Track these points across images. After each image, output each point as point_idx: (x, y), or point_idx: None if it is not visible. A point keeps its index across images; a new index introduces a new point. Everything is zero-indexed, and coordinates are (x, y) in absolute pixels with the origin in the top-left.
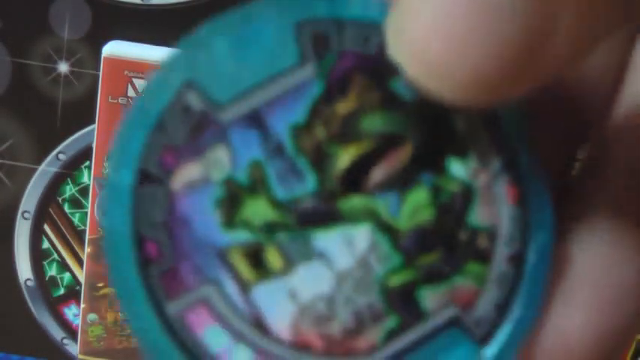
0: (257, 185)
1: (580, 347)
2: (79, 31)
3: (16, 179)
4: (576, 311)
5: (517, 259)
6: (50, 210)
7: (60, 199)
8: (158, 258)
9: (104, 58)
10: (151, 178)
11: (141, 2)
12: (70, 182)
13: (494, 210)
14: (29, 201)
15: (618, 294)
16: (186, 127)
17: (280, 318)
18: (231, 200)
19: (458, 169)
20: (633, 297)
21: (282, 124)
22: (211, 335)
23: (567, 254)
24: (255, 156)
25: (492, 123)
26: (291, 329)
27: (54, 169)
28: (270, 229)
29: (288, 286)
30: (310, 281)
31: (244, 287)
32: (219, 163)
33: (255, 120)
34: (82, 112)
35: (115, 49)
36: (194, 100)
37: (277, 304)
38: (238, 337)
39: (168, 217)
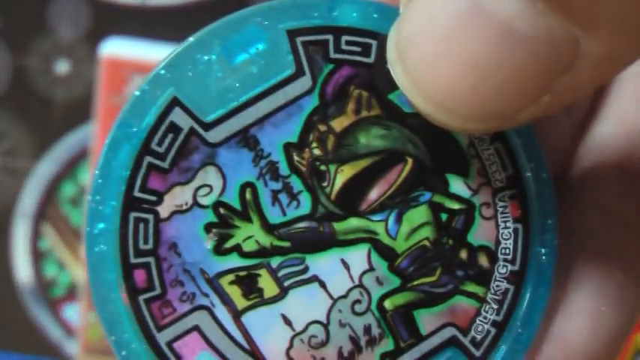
0: (249, 208)
1: (581, 353)
2: (77, 30)
3: (15, 178)
4: (576, 319)
5: (517, 276)
6: (49, 209)
7: (59, 199)
8: (147, 285)
9: (102, 57)
10: (137, 203)
11: (140, 3)
12: (69, 181)
13: (496, 227)
14: (28, 200)
15: (616, 299)
16: (173, 148)
17: (274, 344)
18: (222, 225)
19: (459, 185)
20: (629, 301)
21: (274, 143)
22: None
23: (566, 263)
24: (247, 177)
25: (497, 136)
26: (285, 356)
27: (53, 169)
28: (263, 254)
29: (282, 312)
30: (305, 306)
31: (236, 314)
32: (209, 185)
33: (246, 139)
34: (81, 111)
35: (113, 48)
36: (181, 119)
37: (270, 331)
38: None
39: (157, 243)
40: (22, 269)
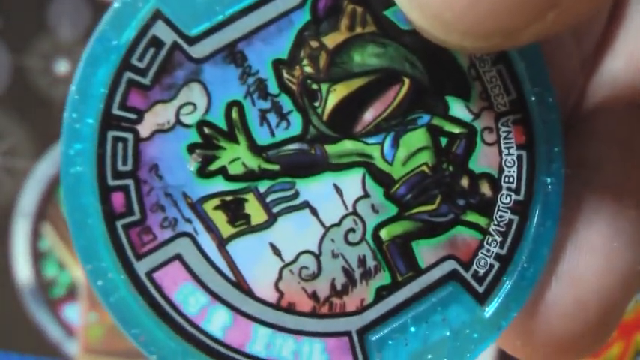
0: (235, 128)
1: (593, 296)
2: (77, 30)
3: (15, 178)
4: (587, 256)
5: (521, 207)
6: (49, 209)
7: (59, 199)
8: (125, 210)
9: None
10: (116, 122)
11: None
12: None
13: (499, 153)
14: (28, 200)
15: (628, 235)
16: (155, 63)
17: (261, 275)
18: (207, 146)
19: (459, 108)
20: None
21: (263, 59)
22: (185, 295)
23: (575, 198)
24: (233, 95)
25: (499, 57)
26: (274, 288)
27: (53, 169)
28: (250, 177)
29: (270, 241)
30: (295, 235)
31: (221, 242)
32: (193, 103)
33: (233, 54)
34: None
35: None
36: (163, 32)
37: (258, 261)
38: (215, 296)
39: (136, 164)
40: (22, 269)
